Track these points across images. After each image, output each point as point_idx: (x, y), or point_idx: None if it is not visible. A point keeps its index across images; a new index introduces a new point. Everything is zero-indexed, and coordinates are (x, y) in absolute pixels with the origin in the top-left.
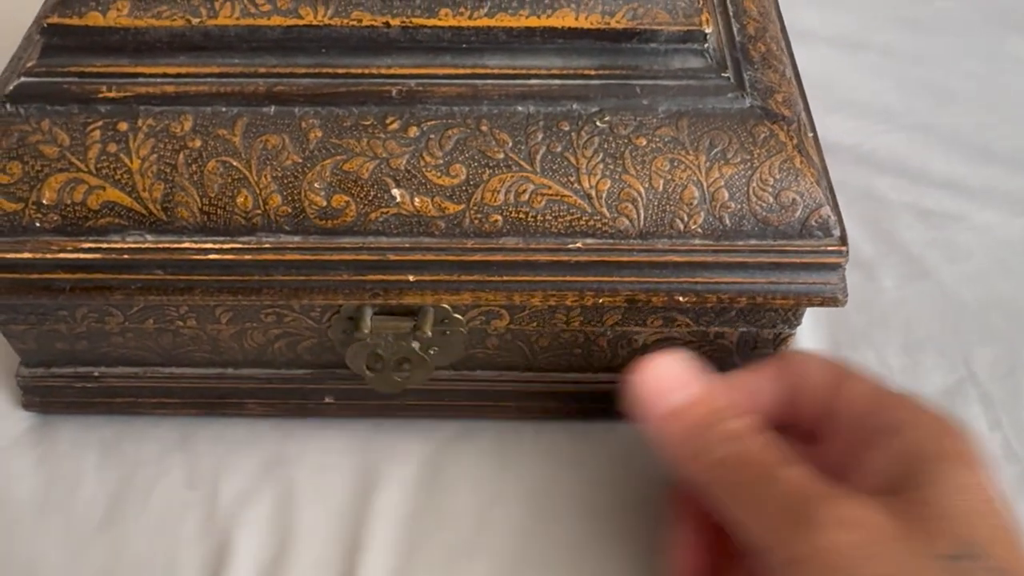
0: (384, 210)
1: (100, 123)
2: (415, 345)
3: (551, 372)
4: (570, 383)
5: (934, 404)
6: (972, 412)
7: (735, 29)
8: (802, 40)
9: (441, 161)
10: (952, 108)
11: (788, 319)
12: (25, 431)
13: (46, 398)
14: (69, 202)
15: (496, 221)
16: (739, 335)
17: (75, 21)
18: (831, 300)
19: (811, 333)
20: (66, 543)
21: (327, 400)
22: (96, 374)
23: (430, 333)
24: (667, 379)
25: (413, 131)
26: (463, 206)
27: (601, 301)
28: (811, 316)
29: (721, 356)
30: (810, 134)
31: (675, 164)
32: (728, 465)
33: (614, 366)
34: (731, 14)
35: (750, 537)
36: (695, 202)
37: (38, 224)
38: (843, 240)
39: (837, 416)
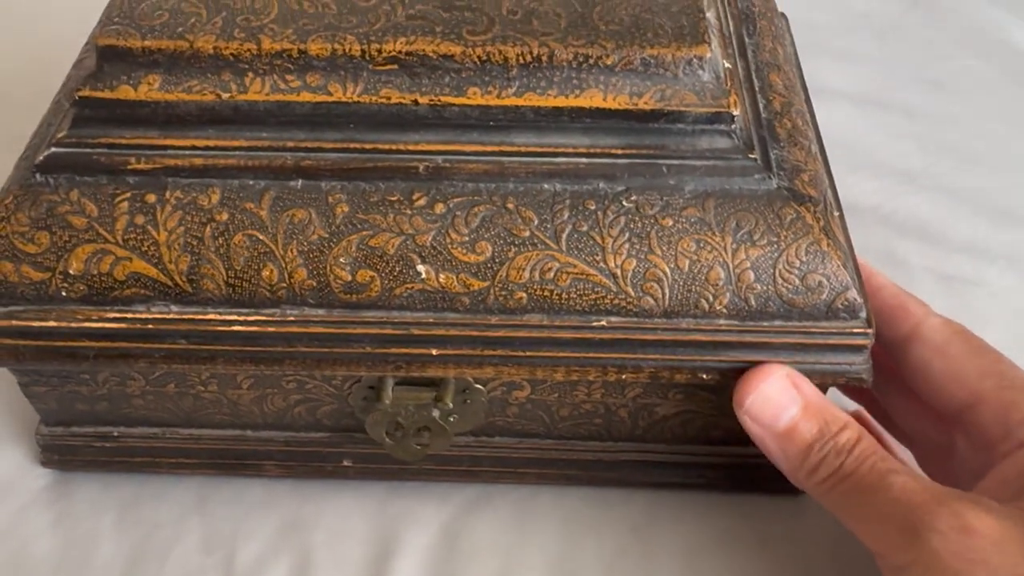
0: (409, 285)
1: (128, 195)
2: (435, 413)
3: (571, 440)
4: (590, 451)
5: None
6: None
7: (761, 105)
8: (824, 97)
9: (467, 238)
10: (974, 169)
11: None
12: (43, 488)
13: (65, 456)
14: (95, 272)
15: (521, 298)
16: None
17: (106, 94)
18: (856, 380)
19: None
20: None
21: (345, 463)
22: (115, 434)
23: (451, 404)
24: (774, 400)
25: (440, 207)
26: (488, 283)
27: (624, 377)
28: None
29: (743, 431)
30: (836, 213)
31: (701, 245)
32: (840, 478)
33: (635, 436)
34: (757, 89)
35: (866, 542)
36: (720, 283)
37: (64, 293)
38: (869, 323)
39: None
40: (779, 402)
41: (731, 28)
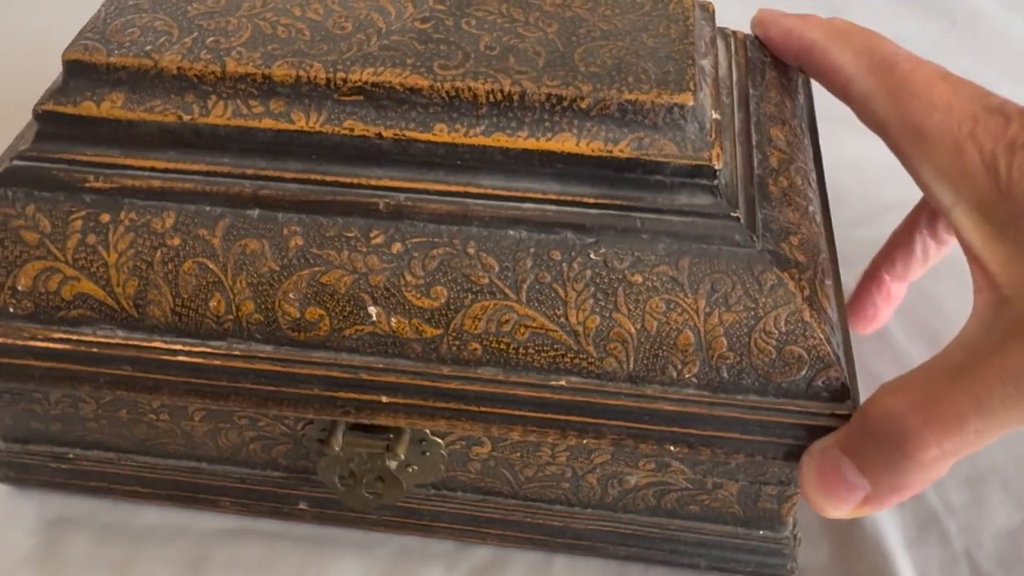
0: (359, 327)
1: (83, 213)
2: (391, 464)
3: (536, 502)
4: (557, 516)
5: None
6: None
7: (756, 160)
8: (840, 127)
9: (422, 281)
10: None
11: (794, 479)
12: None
13: (21, 474)
14: (43, 291)
15: (475, 349)
16: (739, 488)
17: (69, 109)
18: None
19: None
20: None
21: (301, 506)
22: (70, 455)
23: (403, 456)
24: (838, 488)
25: (396, 247)
26: (441, 331)
27: (585, 442)
28: None
29: (721, 507)
30: (828, 282)
31: (671, 306)
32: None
33: (604, 504)
34: (754, 143)
35: None
36: (690, 349)
37: (11, 310)
38: (855, 405)
39: None
40: (842, 493)
41: (734, 77)
